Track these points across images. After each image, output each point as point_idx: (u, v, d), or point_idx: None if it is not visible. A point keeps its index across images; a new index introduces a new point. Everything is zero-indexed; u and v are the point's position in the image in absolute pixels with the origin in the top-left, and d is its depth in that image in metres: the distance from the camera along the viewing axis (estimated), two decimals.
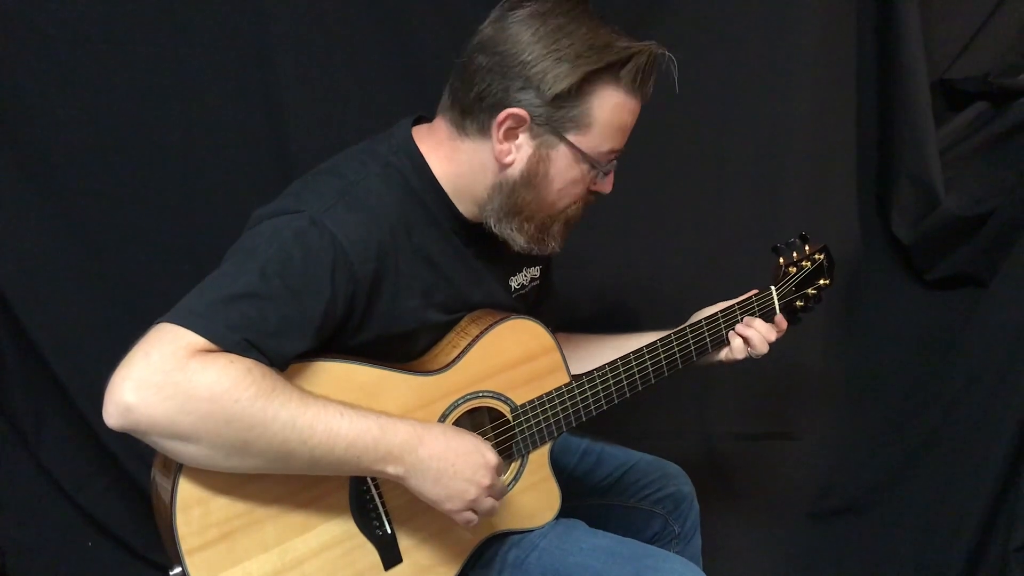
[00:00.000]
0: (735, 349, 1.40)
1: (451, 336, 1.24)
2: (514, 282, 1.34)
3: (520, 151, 1.14)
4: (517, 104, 1.11)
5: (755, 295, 1.44)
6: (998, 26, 1.86)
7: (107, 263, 1.69)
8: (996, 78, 1.82)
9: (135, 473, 1.73)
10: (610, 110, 1.14)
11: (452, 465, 1.08)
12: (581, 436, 1.59)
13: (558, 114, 1.12)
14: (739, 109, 1.87)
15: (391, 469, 1.06)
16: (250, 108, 1.68)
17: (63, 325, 1.67)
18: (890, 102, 1.87)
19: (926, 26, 1.80)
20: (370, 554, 1.15)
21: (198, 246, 1.67)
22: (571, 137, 1.14)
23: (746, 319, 1.41)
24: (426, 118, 1.23)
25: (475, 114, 1.14)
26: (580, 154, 1.15)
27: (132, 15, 1.58)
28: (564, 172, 1.16)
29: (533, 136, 1.14)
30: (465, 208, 1.20)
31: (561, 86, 1.09)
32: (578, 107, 1.12)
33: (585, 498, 1.53)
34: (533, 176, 1.15)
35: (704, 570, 1.30)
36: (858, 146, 1.95)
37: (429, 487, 1.08)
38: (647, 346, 1.34)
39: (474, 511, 1.12)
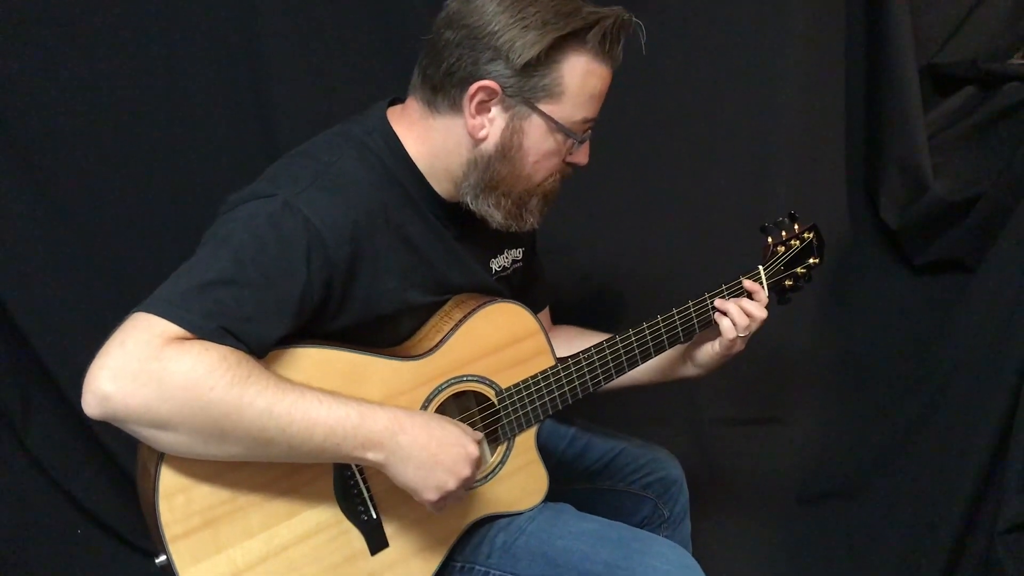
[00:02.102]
0: (724, 329, 1.38)
1: (435, 320, 1.23)
2: (495, 264, 1.33)
3: (493, 124, 1.14)
4: (487, 76, 1.10)
5: (743, 276, 1.44)
6: (986, 11, 1.86)
7: (95, 251, 1.68)
8: (984, 63, 1.81)
9: (124, 460, 1.73)
10: (580, 76, 1.13)
11: (434, 455, 1.08)
12: (570, 421, 1.59)
13: (529, 83, 1.11)
14: (727, 94, 1.87)
15: (371, 456, 1.06)
16: (240, 102, 1.67)
17: (51, 313, 1.66)
18: (878, 87, 1.86)
19: (914, 10, 1.79)
20: (356, 540, 1.15)
21: (187, 236, 1.63)
22: (543, 107, 1.13)
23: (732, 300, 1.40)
24: (400, 100, 1.22)
25: (446, 90, 1.13)
26: (554, 124, 1.14)
27: (125, 13, 1.58)
28: (539, 144, 1.15)
29: (505, 108, 1.13)
30: (442, 188, 1.19)
31: (530, 54, 1.08)
32: (548, 75, 1.11)
33: (574, 482, 1.53)
34: (508, 149, 1.14)
35: (693, 554, 1.30)
36: (846, 131, 1.95)
37: (410, 474, 1.08)
38: (633, 327, 1.34)
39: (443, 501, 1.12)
